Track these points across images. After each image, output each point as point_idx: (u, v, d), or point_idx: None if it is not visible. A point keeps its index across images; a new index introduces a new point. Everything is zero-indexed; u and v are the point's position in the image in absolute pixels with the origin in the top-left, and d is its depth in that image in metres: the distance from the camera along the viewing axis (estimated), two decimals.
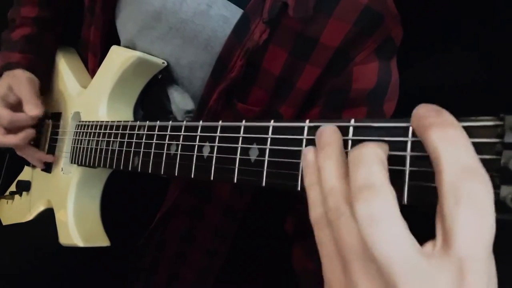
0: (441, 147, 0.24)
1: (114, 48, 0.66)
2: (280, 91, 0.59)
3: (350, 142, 0.31)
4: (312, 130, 0.34)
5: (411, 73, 0.89)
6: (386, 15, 0.56)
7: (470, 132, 0.26)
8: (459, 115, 0.26)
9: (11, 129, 0.69)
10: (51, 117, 0.77)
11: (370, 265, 0.24)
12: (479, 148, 0.25)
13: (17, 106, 0.70)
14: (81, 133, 0.67)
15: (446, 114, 0.25)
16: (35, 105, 0.69)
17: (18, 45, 0.75)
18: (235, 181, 0.39)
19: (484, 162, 0.25)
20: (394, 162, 0.28)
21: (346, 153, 0.30)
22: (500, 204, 0.24)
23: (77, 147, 0.67)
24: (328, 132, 0.30)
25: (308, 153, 0.31)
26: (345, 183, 0.27)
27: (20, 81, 0.70)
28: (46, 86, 0.77)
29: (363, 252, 0.24)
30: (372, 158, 0.26)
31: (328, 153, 0.29)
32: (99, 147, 0.61)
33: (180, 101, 0.66)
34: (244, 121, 0.40)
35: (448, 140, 0.24)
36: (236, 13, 0.58)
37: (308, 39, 0.57)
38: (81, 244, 0.64)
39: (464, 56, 0.88)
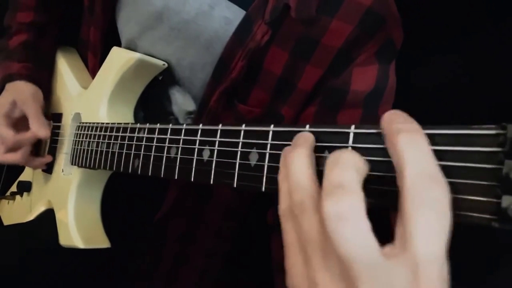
0: (406, 152, 0.25)
1: (114, 49, 0.66)
2: (282, 92, 0.59)
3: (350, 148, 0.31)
4: (313, 135, 0.33)
5: (410, 74, 0.89)
6: (388, 17, 0.56)
7: (472, 140, 0.25)
8: (457, 117, 0.26)
9: (12, 148, 0.69)
10: (52, 118, 0.76)
11: (330, 259, 0.25)
12: (480, 157, 0.25)
13: (20, 121, 0.70)
14: (81, 135, 0.66)
15: (413, 121, 0.27)
16: (43, 126, 0.69)
17: (16, 54, 0.74)
18: (235, 185, 0.39)
19: (486, 172, 0.25)
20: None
21: (320, 157, 0.32)
22: (501, 214, 0.24)
23: (77, 148, 0.67)
24: (303, 135, 0.33)
25: (285, 152, 0.33)
26: (310, 181, 0.29)
27: (24, 97, 0.70)
28: (47, 93, 0.76)
29: (325, 247, 0.26)
30: (348, 162, 0.27)
31: (297, 152, 0.31)
32: (99, 149, 0.61)
33: (182, 101, 0.65)
34: (244, 125, 0.39)
35: (413, 146, 0.25)
36: (238, 14, 0.58)
37: (310, 40, 0.56)
38: (81, 245, 0.63)
39: (462, 58, 0.88)
